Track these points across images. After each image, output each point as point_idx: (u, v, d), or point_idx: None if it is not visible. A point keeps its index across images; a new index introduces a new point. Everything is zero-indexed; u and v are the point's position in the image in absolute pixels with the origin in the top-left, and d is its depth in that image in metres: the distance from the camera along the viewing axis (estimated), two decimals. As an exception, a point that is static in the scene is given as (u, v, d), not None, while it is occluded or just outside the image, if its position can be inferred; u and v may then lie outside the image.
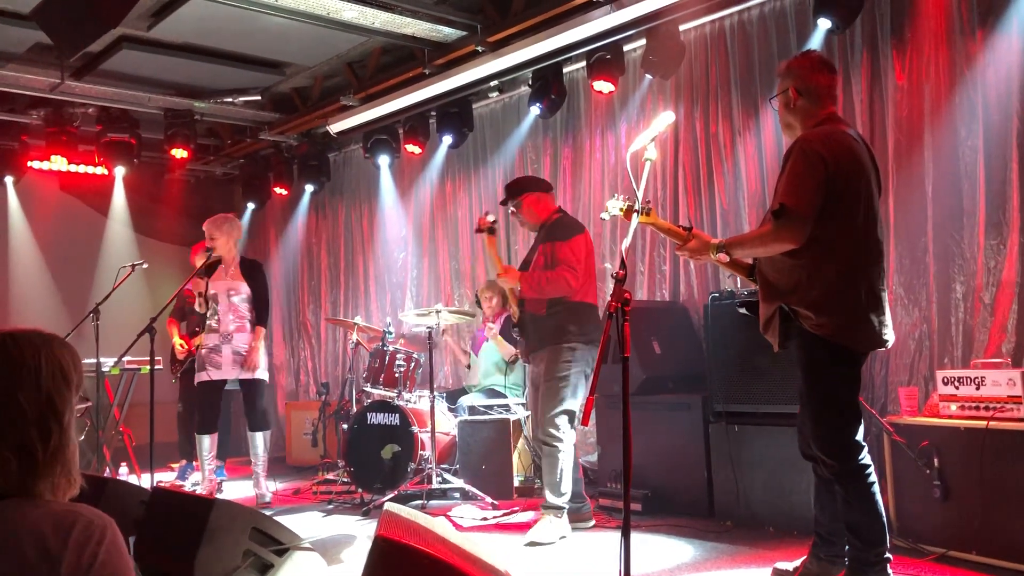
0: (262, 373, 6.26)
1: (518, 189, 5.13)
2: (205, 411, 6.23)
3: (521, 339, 5.12)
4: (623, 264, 2.81)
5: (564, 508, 4.78)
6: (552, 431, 4.76)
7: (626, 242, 2.86)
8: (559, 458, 4.76)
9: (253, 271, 6.33)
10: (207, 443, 6.18)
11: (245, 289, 6.21)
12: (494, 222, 5.11)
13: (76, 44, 4.77)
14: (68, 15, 4.63)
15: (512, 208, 5.16)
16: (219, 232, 6.22)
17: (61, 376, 1.58)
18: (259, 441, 6.24)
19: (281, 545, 3.35)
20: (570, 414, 4.80)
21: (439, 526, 3.17)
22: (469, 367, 7.19)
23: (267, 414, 6.39)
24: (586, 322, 4.90)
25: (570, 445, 4.81)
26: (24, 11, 5.69)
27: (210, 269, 6.20)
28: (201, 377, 6.19)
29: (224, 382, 6.23)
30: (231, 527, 3.22)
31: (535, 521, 4.86)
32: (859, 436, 3.22)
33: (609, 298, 2.64)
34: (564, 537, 4.72)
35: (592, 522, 5.05)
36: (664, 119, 3.08)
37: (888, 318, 3.31)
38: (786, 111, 3.42)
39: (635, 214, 3.01)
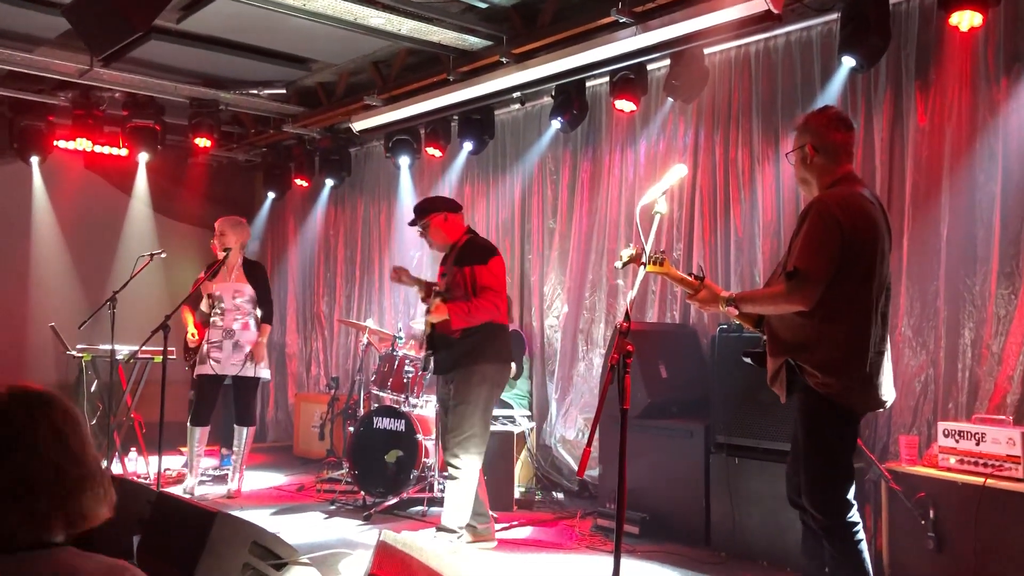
0: (263, 371, 6.46)
1: (424, 210, 5.16)
2: (201, 404, 6.39)
3: (430, 355, 5.14)
4: (627, 316, 2.84)
5: (458, 533, 4.87)
6: (455, 457, 4.85)
7: (631, 294, 2.88)
8: (458, 486, 4.85)
9: (256, 272, 6.53)
10: (198, 435, 6.33)
11: (249, 290, 6.41)
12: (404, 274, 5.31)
13: (105, 44, 4.85)
14: (98, 16, 4.69)
15: (419, 229, 5.21)
16: (232, 232, 6.42)
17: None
18: (245, 436, 6.45)
19: (280, 560, 3.44)
20: (475, 439, 4.87)
21: (433, 559, 3.24)
22: None
23: (255, 410, 6.58)
24: (499, 343, 5.00)
25: (471, 472, 4.87)
26: (58, -1, 5.75)
27: (214, 271, 6.37)
28: (202, 370, 6.34)
29: (223, 377, 6.37)
30: (232, 540, 3.30)
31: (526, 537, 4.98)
32: (850, 494, 3.24)
33: (611, 349, 2.67)
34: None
35: (494, 543, 5.11)
36: (676, 172, 3.10)
37: (889, 377, 3.33)
38: (803, 167, 3.41)
39: (642, 266, 3.03)
